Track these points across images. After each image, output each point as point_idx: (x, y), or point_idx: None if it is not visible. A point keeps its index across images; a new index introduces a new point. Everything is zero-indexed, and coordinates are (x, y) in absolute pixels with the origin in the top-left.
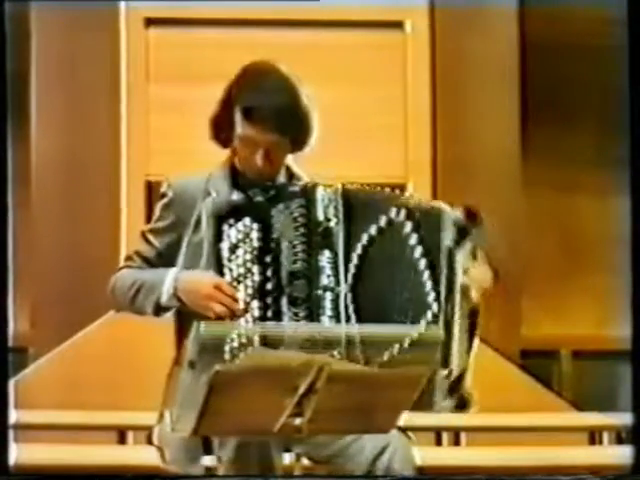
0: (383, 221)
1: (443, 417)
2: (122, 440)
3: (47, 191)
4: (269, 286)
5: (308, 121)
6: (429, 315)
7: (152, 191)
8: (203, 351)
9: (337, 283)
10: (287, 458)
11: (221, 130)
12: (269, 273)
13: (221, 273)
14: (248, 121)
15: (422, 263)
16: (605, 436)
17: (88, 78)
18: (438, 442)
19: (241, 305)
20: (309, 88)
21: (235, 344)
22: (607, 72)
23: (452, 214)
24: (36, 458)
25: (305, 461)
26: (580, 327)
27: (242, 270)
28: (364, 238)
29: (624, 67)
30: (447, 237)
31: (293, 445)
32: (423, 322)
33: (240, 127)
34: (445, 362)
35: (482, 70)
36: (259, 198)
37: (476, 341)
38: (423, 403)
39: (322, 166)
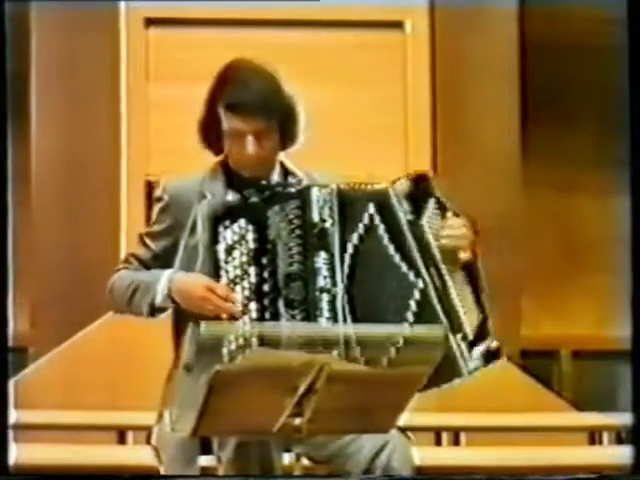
0: (367, 218)
1: (443, 417)
2: (122, 440)
3: (47, 191)
4: (266, 288)
5: (292, 106)
6: (413, 305)
7: (152, 191)
8: (202, 352)
9: (333, 284)
10: (287, 458)
11: (210, 133)
12: (266, 275)
13: (217, 275)
14: (233, 114)
15: (397, 257)
16: (605, 436)
17: (88, 78)
18: (437, 442)
19: (235, 306)
20: (309, 88)
21: (233, 346)
22: (607, 72)
23: (398, 188)
24: (36, 458)
25: (305, 461)
26: (580, 327)
27: (239, 272)
28: (354, 238)
29: (624, 67)
30: (404, 213)
31: (293, 445)
32: (409, 313)
33: (226, 122)
34: (454, 327)
35: (482, 70)
36: (254, 199)
37: (484, 287)
38: (449, 375)
39: (322, 166)
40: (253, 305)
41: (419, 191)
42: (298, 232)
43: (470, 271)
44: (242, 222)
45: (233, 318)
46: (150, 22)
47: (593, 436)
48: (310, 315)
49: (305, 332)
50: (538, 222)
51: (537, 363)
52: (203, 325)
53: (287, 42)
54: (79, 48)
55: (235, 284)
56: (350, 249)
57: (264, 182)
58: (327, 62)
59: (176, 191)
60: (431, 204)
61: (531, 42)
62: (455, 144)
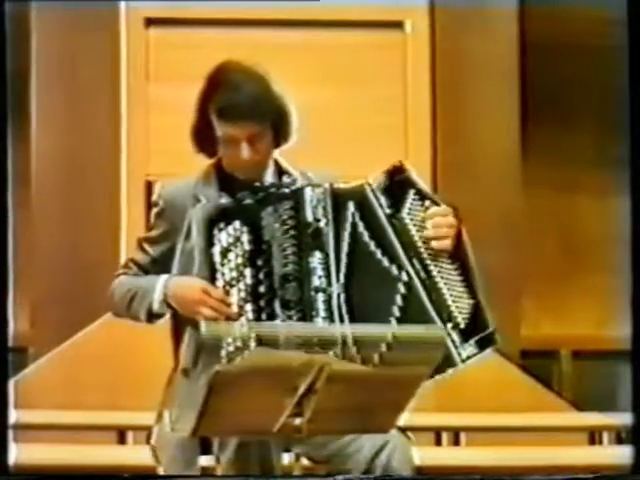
0: (350, 217)
1: (443, 417)
2: (122, 440)
3: (47, 191)
4: (262, 289)
5: (283, 106)
6: (399, 299)
7: (152, 191)
8: (201, 352)
9: (329, 284)
10: (287, 458)
11: (202, 138)
12: (261, 276)
13: (214, 278)
14: (225, 120)
15: (379, 253)
16: (605, 436)
17: (88, 78)
18: (437, 442)
19: (232, 308)
20: (310, 88)
21: (231, 348)
22: (607, 72)
23: (374, 183)
24: (36, 458)
25: (305, 461)
26: (580, 327)
27: (234, 274)
28: (346, 237)
29: (624, 67)
30: (381, 207)
31: (293, 445)
32: (395, 308)
33: (219, 128)
34: (443, 317)
35: (482, 70)
36: (248, 201)
37: (475, 273)
38: (442, 365)
39: (322, 166)
40: (249, 306)
41: (396, 184)
42: (292, 232)
43: (458, 259)
44: (237, 224)
45: (229, 319)
46: (150, 22)
47: (593, 436)
48: (306, 315)
49: (302, 332)
50: (538, 222)
51: (537, 363)
52: (203, 325)
53: (287, 42)
54: (79, 48)
55: (231, 286)
56: (344, 248)
57: (257, 183)
58: (327, 62)
59: (171, 196)
60: (410, 195)
61: (531, 42)
62: (455, 144)
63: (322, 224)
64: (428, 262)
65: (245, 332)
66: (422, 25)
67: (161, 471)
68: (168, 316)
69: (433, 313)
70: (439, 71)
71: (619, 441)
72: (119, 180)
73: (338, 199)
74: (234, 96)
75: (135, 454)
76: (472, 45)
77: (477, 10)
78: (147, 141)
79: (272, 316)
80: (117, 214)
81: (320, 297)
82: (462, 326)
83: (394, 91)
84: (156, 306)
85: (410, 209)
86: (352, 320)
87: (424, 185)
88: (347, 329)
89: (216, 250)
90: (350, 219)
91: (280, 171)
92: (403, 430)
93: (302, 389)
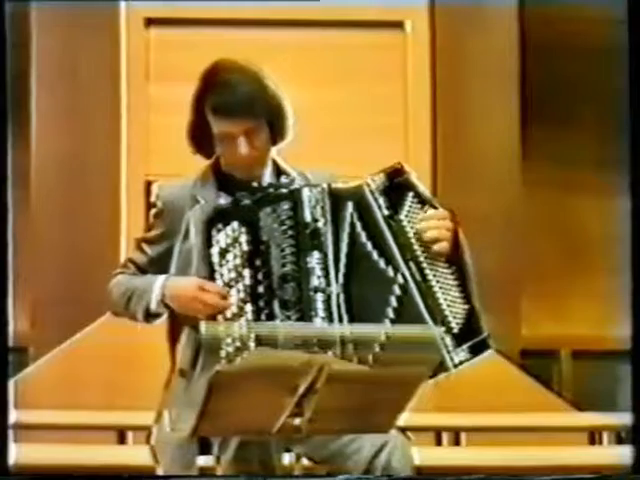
0: (349, 217)
1: (443, 417)
2: (122, 440)
3: (47, 191)
4: (260, 289)
5: (278, 102)
6: (393, 301)
7: (152, 191)
8: (201, 353)
9: (328, 284)
10: (287, 458)
11: (199, 137)
12: (260, 276)
13: (212, 278)
14: (220, 117)
15: (375, 254)
16: (605, 436)
17: (88, 78)
18: (438, 442)
19: (229, 301)
20: (310, 88)
21: (231, 348)
22: (607, 72)
23: (373, 184)
24: (36, 458)
25: (305, 461)
26: (580, 327)
27: (233, 274)
28: (345, 237)
29: (624, 67)
30: (379, 209)
31: (293, 445)
32: (390, 309)
33: (215, 126)
34: (437, 321)
35: (482, 70)
36: (246, 201)
37: (472, 278)
38: (437, 370)
39: (322, 166)
40: (249, 307)
41: (395, 185)
42: (291, 232)
43: (455, 263)
44: (235, 225)
45: (226, 317)
46: (150, 22)
47: (593, 436)
48: (305, 315)
49: (301, 332)
50: (538, 222)
51: (537, 363)
52: (203, 326)
53: (287, 42)
54: (79, 48)
55: (230, 287)
56: (343, 248)
57: (255, 184)
58: (327, 62)
59: (169, 196)
60: (409, 198)
61: (531, 42)
62: (455, 144)
63: (320, 224)
64: (424, 265)
65: (244, 332)
66: (422, 25)
67: (160, 471)
68: (165, 316)
69: (427, 316)
70: (439, 71)
71: (619, 441)
72: (119, 180)
73: (336, 199)
74: (228, 94)
75: (135, 454)
76: (472, 45)
77: (477, 10)
78: (147, 141)
79: (271, 316)
80: (117, 214)
81: (319, 297)
82: (455, 331)
83: (394, 91)
84: (153, 306)
85: (408, 212)
86: (351, 320)
87: (423, 188)
88: (346, 329)
89: (214, 251)
90: (349, 219)
91: (278, 171)
92: (403, 430)
93: (302, 389)
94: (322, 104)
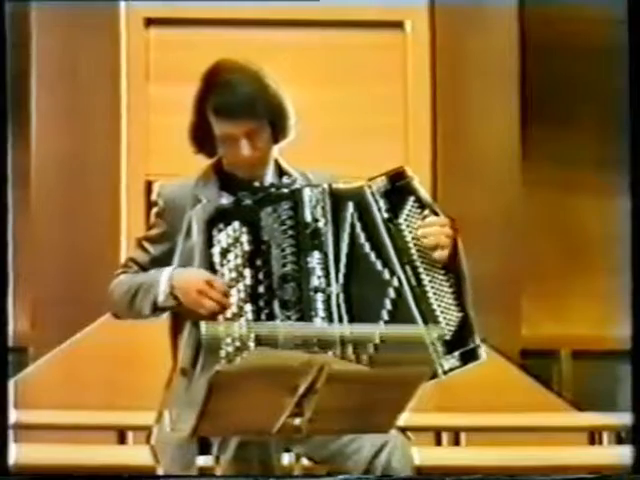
0: (349, 217)
1: (443, 417)
2: (122, 440)
3: (47, 191)
4: (261, 289)
5: (279, 101)
6: (388, 303)
7: (152, 191)
8: (201, 353)
9: (328, 284)
10: (287, 458)
11: (201, 138)
12: (260, 276)
13: None
14: (222, 118)
15: (373, 255)
16: (605, 436)
17: (88, 78)
18: (438, 442)
19: (232, 300)
20: (310, 88)
21: (231, 348)
22: (607, 72)
23: (375, 186)
24: (36, 458)
25: (305, 461)
26: (580, 327)
27: (234, 274)
28: (345, 237)
29: (624, 67)
30: (379, 211)
31: (293, 445)
32: (384, 311)
33: (217, 127)
34: (429, 325)
35: (482, 70)
36: (247, 201)
37: (467, 285)
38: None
39: (322, 166)
40: (249, 307)
41: (397, 189)
42: (291, 232)
43: (451, 270)
44: (236, 225)
45: (225, 312)
46: (150, 22)
47: (593, 436)
48: (305, 315)
49: (301, 332)
50: (538, 222)
51: (537, 363)
52: (203, 326)
53: (287, 42)
54: (79, 48)
55: (230, 287)
56: (343, 248)
57: (257, 184)
58: (327, 62)
59: (170, 195)
60: (410, 202)
61: (531, 42)
62: (455, 144)
63: (321, 224)
64: (420, 270)
65: (244, 332)
66: (422, 25)
67: (161, 471)
68: (167, 314)
69: (420, 321)
70: (439, 71)
71: (619, 441)
72: (119, 180)
73: (337, 199)
74: (230, 94)
75: (135, 454)
76: (472, 45)
77: (477, 10)
78: (147, 141)
79: (271, 316)
80: (117, 214)
81: (319, 297)
82: (447, 337)
83: (394, 91)
84: (161, 298)
85: (408, 216)
86: (351, 320)
87: (425, 193)
88: (346, 329)
89: (216, 251)
90: (349, 220)
91: (280, 171)
92: (403, 430)
93: (302, 389)
94: (322, 104)
